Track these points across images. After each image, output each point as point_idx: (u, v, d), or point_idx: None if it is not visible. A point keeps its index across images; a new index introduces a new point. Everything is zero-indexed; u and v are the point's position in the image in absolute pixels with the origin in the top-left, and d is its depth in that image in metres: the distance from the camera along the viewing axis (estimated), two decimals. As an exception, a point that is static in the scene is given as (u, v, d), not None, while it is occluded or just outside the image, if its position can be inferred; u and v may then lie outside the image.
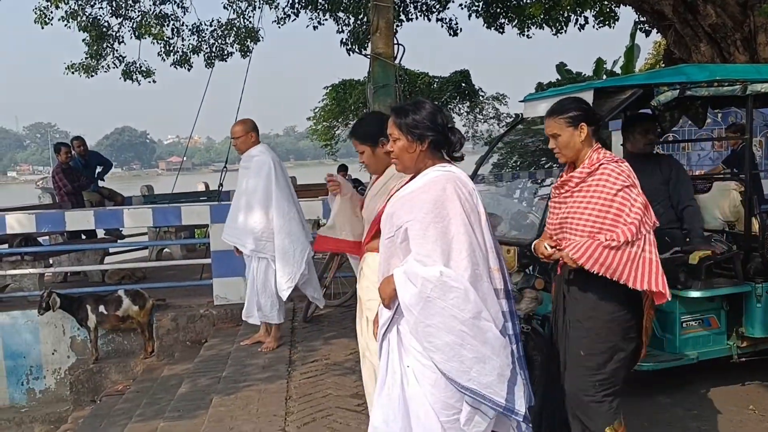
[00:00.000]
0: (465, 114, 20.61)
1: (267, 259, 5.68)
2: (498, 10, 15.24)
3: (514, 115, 20.72)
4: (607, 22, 14.74)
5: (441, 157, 2.88)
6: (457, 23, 15.33)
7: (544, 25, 15.14)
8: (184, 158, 17.68)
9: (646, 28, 15.06)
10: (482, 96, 20.38)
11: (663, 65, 15.38)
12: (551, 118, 3.23)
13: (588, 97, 4.24)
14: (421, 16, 15.38)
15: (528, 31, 15.38)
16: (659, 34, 13.37)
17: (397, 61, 7.32)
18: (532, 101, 5.17)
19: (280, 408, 4.47)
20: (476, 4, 15.07)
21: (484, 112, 20.73)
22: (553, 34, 15.50)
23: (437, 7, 15.28)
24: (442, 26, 15.28)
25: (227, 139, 7.18)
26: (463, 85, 19.37)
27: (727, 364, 4.63)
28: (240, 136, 5.73)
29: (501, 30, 15.54)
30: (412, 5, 15.25)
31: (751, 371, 4.72)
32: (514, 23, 15.23)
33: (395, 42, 7.27)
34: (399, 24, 15.14)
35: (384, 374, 2.86)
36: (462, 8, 15.07)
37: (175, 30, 14.66)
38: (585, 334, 3.16)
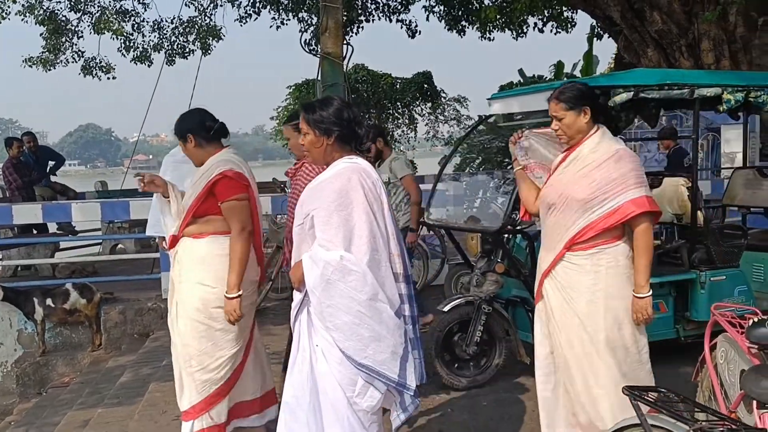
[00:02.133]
0: (427, 115, 20.78)
1: None
2: (459, 12, 15.46)
3: (477, 117, 20.95)
4: (563, 27, 15.06)
5: (350, 150, 3.06)
6: (417, 25, 15.50)
7: (505, 28, 15.41)
8: (150, 156, 17.60)
9: (600, 32, 15.42)
10: (444, 97, 20.57)
11: (612, 68, 15.77)
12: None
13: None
14: (382, 17, 15.53)
15: (489, 34, 15.61)
16: (610, 38, 13.71)
17: (346, 61, 7.46)
18: (498, 99, 5.60)
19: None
20: (437, 6, 15.26)
21: (445, 114, 20.91)
22: (513, 38, 15.76)
23: (399, 8, 15.45)
24: (401, 27, 15.43)
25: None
26: (426, 86, 19.51)
27: (674, 345, 4.90)
28: None
29: (462, 33, 15.76)
30: (372, 6, 15.39)
31: (698, 352, 4.96)
32: (475, 26, 15.45)
33: (345, 42, 7.42)
34: (360, 25, 15.30)
35: (295, 353, 3.04)
36: (423, 10, 15.24)
37: (136, 26, 14.62)
38: None
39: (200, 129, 3.70)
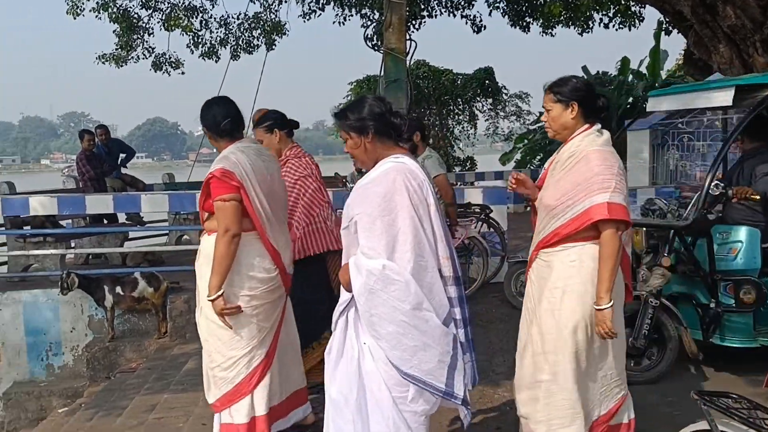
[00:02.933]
0: (488, 111, 20.65)
1: None
2: (523, 8, 15.30)
3: (538, 113, 20.71)
4: (630, 22, 14.75)
5: (393, 144, 3.05)
6: (481, 20, 15.41)
7: (569, 23, 15.18)
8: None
9: (669, 28, 15.02)
10: (505, 93, 20.40)
11: (680, 65, 15.35)
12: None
13: (730, 93, 4.47)
14: (445, 12, 15.49)
15: (552, 29, 15.42)
16: (680, 34, 13.35)
17: (409, 57, 7.49)
18: (658, 97, 5.45)
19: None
20: (500, 1, 15.13)
21: (506, 110, 20.74)
22: (578, 34, 15.52)
23: (462, 3, 15.39)
24: (466, 23, 15.35)
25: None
26: (487, 82, 19.42)
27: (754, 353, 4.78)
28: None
29: (526, 29, 15.59)
30: (435, 1, 15.36)
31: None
32: (538, 22, 15.28)
33: (408, 38, 7.44)
34: (423, 20, 15.31)
35: (341, 349, 3.05)
36: (486, 6, 15.15)
37: (204, 22, 14.96)
38: None
39: (212, 125, 3.73)
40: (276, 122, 4.49)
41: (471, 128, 20.73)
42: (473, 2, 15.33)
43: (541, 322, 3.20)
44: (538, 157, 20.08)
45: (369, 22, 15.42)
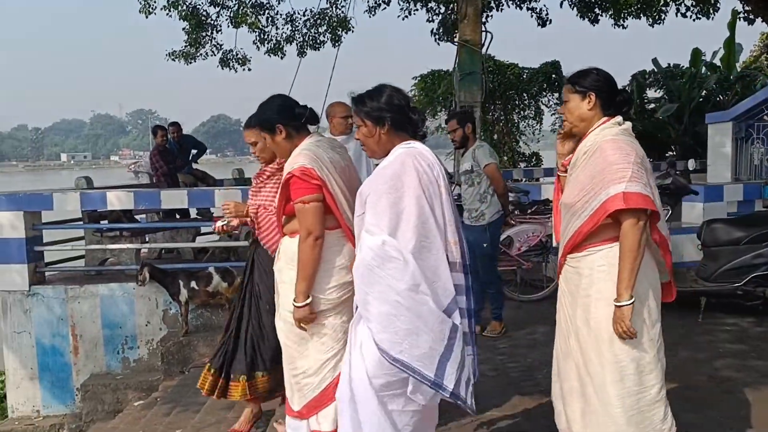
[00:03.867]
0: (554, 105, 20.23)
1: None
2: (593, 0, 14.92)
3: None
4: (705, 12, 14.22)
5: (407, 137, 2.97)
6: (547, 13, 15.07)
7: (640, 14, 14.74)
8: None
9: (750, 17, 14.41)
10: (573, 87, 19.96)
11: (756, 56, 14.71)
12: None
13: None
14: (512, 5, 15.22)
15: (623, 21, 15.01)
16: (765, 23, 12.78)
17: (484, 49, 7.31)
18: None
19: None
20: (570, -8, 14.79)
21: (574, 104, 20.27)
22: (649, 25, 15.05)
23: (530, -5, 15.09)
24: (532, 16, 15.03)
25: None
26: (554, 76, 19.00)
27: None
28: (348, 115, 5.48)
29: (595, 21, 15.20)
30: (503, -6, 15.10)
31: None
32: (609, 13, 14.88)
33: (483, 29, 7.26)
34: (489, 14, 15.06)
35: (349, 348, 3.00)
36: (555, -3, 14.82)
37: (270, 19, 15.05)
38: None
39: (290, 117, 3.50)
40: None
41: (537, 123, 20.35)
42: (542, -6, 15.01)
43: (579, 333, 3.03)
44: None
45: (435, 16, 15.33)
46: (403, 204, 2.74)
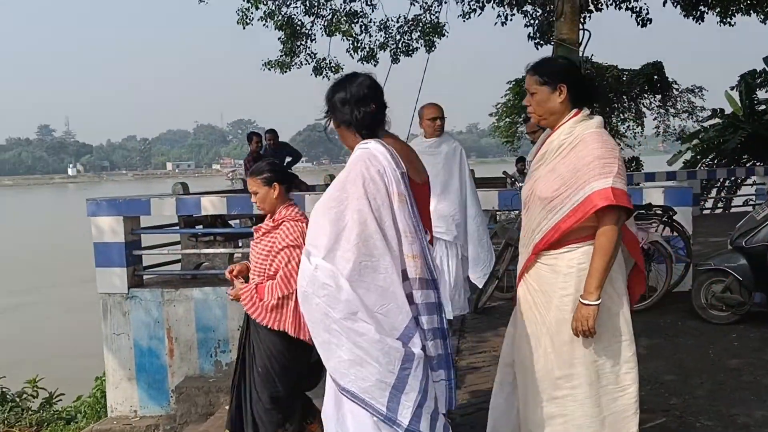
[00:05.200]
0: (656, 108, 19.40)
1: (457, 246, 5.50)
2: (699, -3, 14.20)
3: (711, 110, 19.22)
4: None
5: (367, 135, 2.70)
6: (648, 12, 14.42)
7: (750, 11, 13.94)
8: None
9: None
10: (676, 89, 19.06)
11: None
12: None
13: None
14: (612, 4, 14.66)
15: (731, 18, 14.22)
16: None
17: (582, 48, 6.99)
18: None
19: (445, 396, 4.40)
20: (674, -9, 14.12)
21: (677, 106, 19.37)
22: (760, 21, 14.20)
23: (630, -6, 14.48)
24: (632, 15, 14.42)
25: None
26: (656, 77, 18.22)
27: None
28: (446, 117, 5.44)
29: (700, 19, 14.45)
30: (602, -6, 14.56)
31: None
32: (715, 10, 14.12)
33: (580, 28, 6.95)
34: (588, 15, 14.56)
35: None
36: (658, -4, 14.16)
37: (364, 27, 15.12)
38: None
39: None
40: (276, 175, 3.90)
41: (637, 126, 19.57)
42: (644, -8, 14.36)
43: (553, 334, 2.89)
44: (710, 157, 18.64)
45: (531, 20, 14.96)
46: (345, 220, 2.48)
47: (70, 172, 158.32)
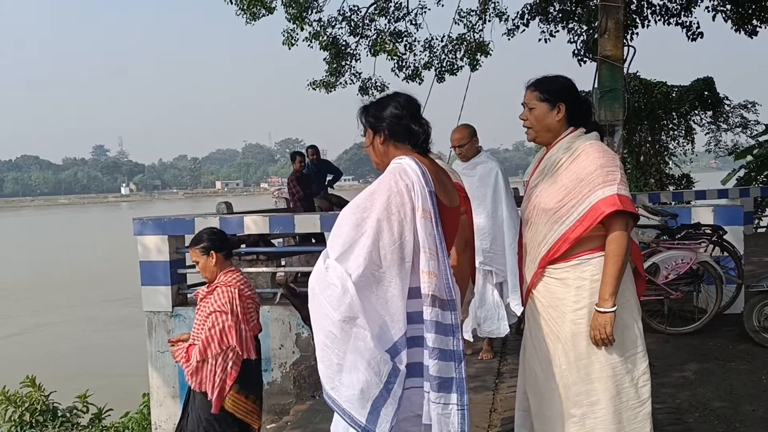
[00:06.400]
0: (707, 124, 18.96)
1: (492, 272, 5.48)
2: (750, 11, 13.86)
3: (765, 125, 18.72)
4: None
5: (407, 149, 2.73)
6: (698, 26, 14.13)
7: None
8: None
9: None
10: (728, 105, 18.62)
11: None
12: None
13: None
14: (660, 20, 14.42)
15: (785, 31, 13.85)
16: None
17: (626, 64, 6.87)
18: None
19: (483, 420, 4.34)
20: (723, 5, 13.81)
21: (729, 122, 18.91)
22: (816, 34, 13.77)
23: (679, 10, 14.22)
24: (682, 30, 14.15)
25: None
26: (706, 93, 17.82)
27: None
28: (466, 143, 5.46)
29: (753, 33, 14.12)
30: (649, 10, 14.33)
31: None
32: (768, 24, 13.78)
33: (625, 44, 6.83)
34: (635, 31, 14.35)
35: None
36: (707, 11, 13.87)
37: (408, 46, 15.17)
38: None
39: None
40: (213, 244, 4.17)
41: (687, 143, 19.14)
42: (693, 7, 14.08)
43: (569, 349, 2.85)
44: (765, 173, 18.11)
45: (575, 37, 14.80)
46: (365, 226, 2.52)
47: (123, 191, 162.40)
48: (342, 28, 14.75)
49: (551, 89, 2.95)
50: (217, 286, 4.06)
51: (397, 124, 2.73)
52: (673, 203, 13.95)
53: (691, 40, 14.39)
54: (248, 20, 13.51)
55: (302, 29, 13.86)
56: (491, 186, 5.36)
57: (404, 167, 2.63)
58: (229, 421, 4.03)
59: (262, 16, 13.29)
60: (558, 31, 14.91)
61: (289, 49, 14.36)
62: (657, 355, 5.64)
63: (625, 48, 6.84)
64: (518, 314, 5.52)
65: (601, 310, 2.77)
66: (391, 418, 2.49)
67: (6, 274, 30.50)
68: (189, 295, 8.26)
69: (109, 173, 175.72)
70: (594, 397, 2.82)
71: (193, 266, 8.52)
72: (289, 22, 13.75)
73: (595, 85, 6.84)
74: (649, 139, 18.51)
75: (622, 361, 2.84)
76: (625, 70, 6.88)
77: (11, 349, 17.52)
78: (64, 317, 21.67)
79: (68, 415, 9.13)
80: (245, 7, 13.02)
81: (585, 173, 2.82)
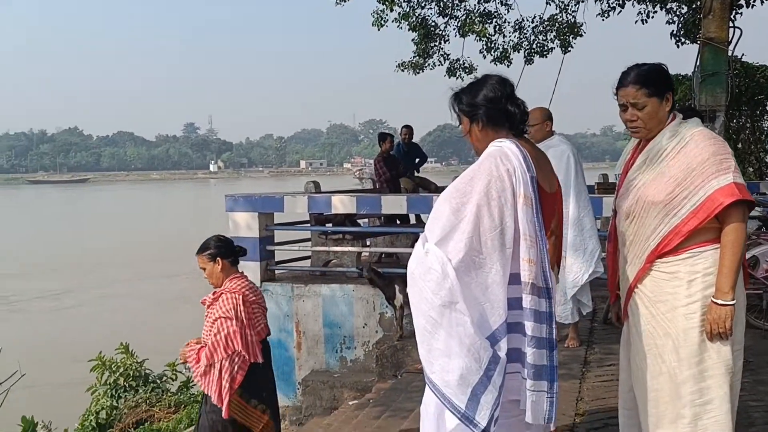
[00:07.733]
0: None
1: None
2: None
3: None
4: None
5: (504, 133, 2.68)
6: (809, 6, 13.28)
7: None
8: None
9: None
10: None
11: None
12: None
13: None
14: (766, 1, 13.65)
15: None
16: None
17: (731, 47, 6.56)
18: None
19: (570, 408, 4.27)
20: None
21: None
22: None
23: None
24: (793, 8, 13.33)
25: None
26: (818, 77, 16.79)
27: None
28: (536, 124, 5.32)
29: None
30: (757, -12, 13.58)
31: None
32: None
33: (731, 25, 6.52)
34: (738, 11, 13.67)
35: None
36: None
37: (498, 27, 14.91)
38: None
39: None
40: (220, 251, 4.25)
41: (792, 130, 18.13)
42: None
43: (680, 345, 2.73)
44: None
45: (674, 17, 14.21)
46: (465, 211, 2.47)
47: (211, 168, 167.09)
48: (431, 8, 14.64)
49: (656, 81, 2.82)
50: (222, 293, 4.18)
51: (494, 108, 2.67)
52: (771, 194, 13.29)
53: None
54: (338, 1, 13.62)
55: (392, 10, 13.81)
56: (562, 170, 5.25)
57: (505, 151, 2.57)
58: (225, 424, 4.18)
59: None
60: (656, 12, 14.36)
61: (378, 29, 14.34)
62: (754, 351, 5.39)
63: (731, 29, 6.53)
64: (568, 297, 5.38)
65: (721, 302, 2.66)
66: (491, 406, 2.45)
67: (103, 245, 31.96)
68: (277, 272, 8.46)
69: (198, 150, 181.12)
70: (706, 396, 2.72)
71: (281, 243, 8.77)
72: (379, 2, 13.75)
73: (696, 69, 6.56)
74: (749, 125, 17.63)
75: (732, 358, 2.74)
76: (729, 53, 6.57)
77: (106, 316, 18.40)
78: (159, 286, 22.54)
79: (158, 381, 9.53)
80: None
81: (696, 162, 2.69)
